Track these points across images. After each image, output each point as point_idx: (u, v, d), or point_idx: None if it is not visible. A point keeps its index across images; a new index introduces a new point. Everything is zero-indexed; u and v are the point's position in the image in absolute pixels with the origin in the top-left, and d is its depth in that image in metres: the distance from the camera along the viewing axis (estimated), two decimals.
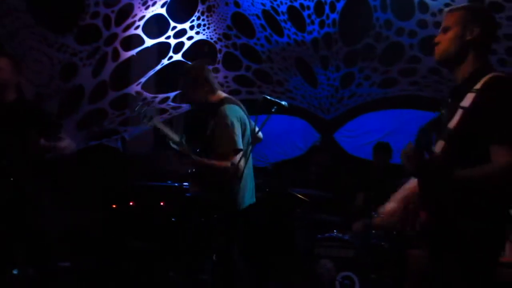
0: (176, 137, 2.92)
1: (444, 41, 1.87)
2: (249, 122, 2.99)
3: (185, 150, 2.89)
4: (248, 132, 2.96)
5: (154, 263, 4.39)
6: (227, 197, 2.86)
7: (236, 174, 2.72)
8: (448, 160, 1.72)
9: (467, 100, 1.71)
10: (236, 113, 2.90)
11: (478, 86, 1.72)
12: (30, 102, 3.25)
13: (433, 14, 4.15)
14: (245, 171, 2.81)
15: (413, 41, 4.47)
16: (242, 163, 2.73)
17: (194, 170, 3.19)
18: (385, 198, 2.22)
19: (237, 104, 2.99)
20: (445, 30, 1.88)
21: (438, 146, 1.77)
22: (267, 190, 5.17)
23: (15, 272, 3.02)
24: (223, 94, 3.04)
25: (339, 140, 6.30)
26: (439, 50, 1.89)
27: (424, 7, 4.19)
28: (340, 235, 4.19)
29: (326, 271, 4.09)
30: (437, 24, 1.91)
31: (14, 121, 2.81)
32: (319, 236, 4.23)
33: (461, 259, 1.70)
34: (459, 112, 1.72)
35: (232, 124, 2.82)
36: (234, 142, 2.80)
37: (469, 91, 1.73)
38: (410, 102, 5.40)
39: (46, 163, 2.88)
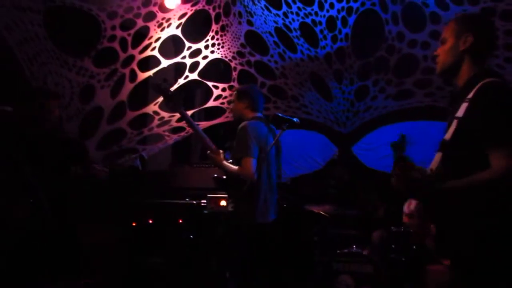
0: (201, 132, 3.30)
1: (442, 53, 1.88)
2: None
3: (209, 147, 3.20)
4: (268, 148, 3.09)
5: (172, 280, 4.42)
6: (246, 210, 2.92)
7: (249, 180, 2.92)
8: (446, 170, 1.71)
9: (461, 110, 1.71)
10: (254, 126, 3.10)
11: (470, 95, 1.71)
12: (68, 133, 3.47)
13: (446, 24, 4.12)
14: (265, 186, 2.99)
15: (427, 52, 4.45)
16: (253, 171, 2.93)
17: (222, 178, 3.25)
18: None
19: (263, 121, 3.21)
20: (443, 42, 1.89)
21: (437, 158, 1.76)
22: (285, 205, 5.16)
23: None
24: (258, 115, 3.25)
25: (357, 154, 6.27)
26: (438, 62, 1.90)
27: (436, 18, 4.18)
28: (359, 250, 4.15)
29: (346, 286, 4.04)
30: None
31: (60, 152, 3.06)
32: (338, 251, 4.19)
33: (474, 270, 1.67)
34: (454, 123, 1.72)
35: (247, 134, 3.03)
36: (246, 149, 2.99)
37: (463, 101, 1.72)
38: (427, 113, 5.34)
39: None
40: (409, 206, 3.80)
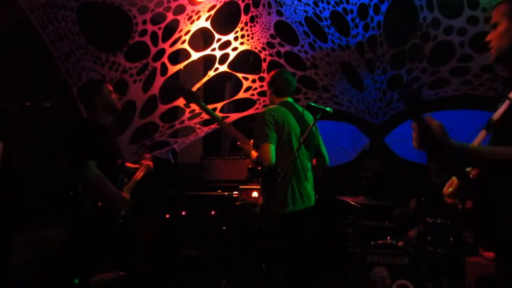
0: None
1: (495, 38, 1.76)
2: (302, 125, 3.06)
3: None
4: (292, 133, 3.07)
5: (206, 271, 4.47)
6: (273, 199, 2.90)
7: (265, 166, 2.95)
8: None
9: None
10: (271, 112, 3.08)
11: None
12: None
13: (484, 10, 3.97)
14: (291, 173, 2.91)
15: (464, 39, 4.28)
16: (269, 156, 2.93)
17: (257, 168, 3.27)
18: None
19: (287, 106, 3.17)
20: (494, 26, 1.78)
21: (479, 136, 1.67)
22: (317, 196, 5.12)
23: (76, 281, 3.18)
24: (285, 100, 3.23)
25: (390, 145, 6.14)
26: (492, 48, 1.78)
27: (473, 3, 4.02)
28: (394, 242, 4.08)
29: (381, 279, 3.99)
30: (489, 20, 1.81)
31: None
32: (372, 243, 4.14)
33: None
34: (506, 104, 1.62)
35: (263, 120, 3.03)
36: (262, 135, 3.00)
37: None
38: (464, 102, 5.17)
39: None
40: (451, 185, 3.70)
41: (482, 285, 3.26)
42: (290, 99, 3.27)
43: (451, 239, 3.95)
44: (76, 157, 2.90)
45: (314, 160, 3.32)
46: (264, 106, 4.93)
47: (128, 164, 3.43)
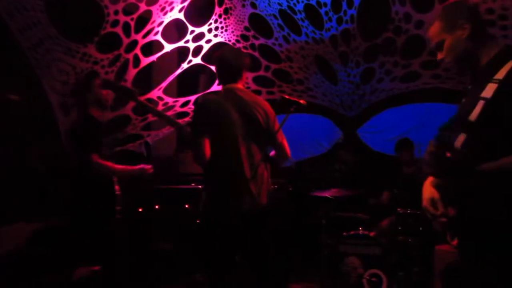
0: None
1: (448, 53, 1.84)
2: (238, 115, 2.78)
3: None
4: (223, 124, 2.76)
5: (180, 265, 4.45)
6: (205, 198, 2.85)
7: (196, 161, 2.77)
8: (471, 153, 1.68)
9: (488, 90, 1.66)
10: (202, 106, 2.82)
11: (500, 75, 1.66)
12: None
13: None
14: (224, 169, 2.70)
15: None
16: (202, 151, 2.69)
17: None
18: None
19: (214, 97, 2.87)
20: (440, 46, 1.86)
21: (459, 139, 1.73)
22: (291, 189, 5.17)
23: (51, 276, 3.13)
24: (225, 87, 2.89)
25: (362, 137, 6.25)
26: (451, 62, 1.86)
27: None
28: (366, 232, 4.16)
29: (353, 269, 4.06)
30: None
31: None
32: (344, 234, 4.20)
33: (498, 254, 1.64)
34: (480, 104, 1.67)
35: (194, 113, 2.88)
36: (193, 129, 2.80)
37: (490, 81, 1.68)
38: (433, 95, 5.30)
39: None
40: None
41: (449, 272, 3.36)
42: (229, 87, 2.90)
43: (421, 228, 4.05)
44: (82, 151, 3.09)
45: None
46: None
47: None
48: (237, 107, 2.80)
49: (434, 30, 1.88)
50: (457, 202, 1.74)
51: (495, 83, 1.66)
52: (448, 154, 1.56)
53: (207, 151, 2.74)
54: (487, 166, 1.63)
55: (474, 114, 1.68)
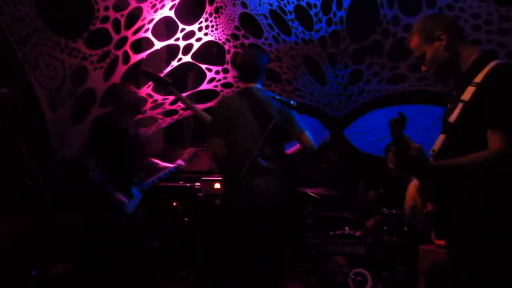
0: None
1: (431, 65, 1.90)
2: (252, 114, 2.91)
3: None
4: (237, 123, 2.89)
5: (167, 262, 4.44)
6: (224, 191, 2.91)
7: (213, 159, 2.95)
8: (448, 152, 1.73)
9: (467, 93, 1.72)
10: (219, 105, 3.07)
11: (478, 79, 1.72)
12: None
13: (441, 9, 4.14)
14: (235, 165, 2.75)
15: None
16: (217, 150, 2.88)
17: None
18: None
19: (231, 96, 3.15)
20: (422, 59, 1.91)
21: (439, 140, 1.78)
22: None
23: (34, 273, 3.10)
24: (248, 87, 3.04)
25: (349, 137, 6.30)
26: (435, 73, 1.91)
27: (431, 2, 4.18)
28: (352, 232, 4.21)
29: (339, 268, 4.11)
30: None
31: None
32: (331, 233, 4.25)
33: (475, 249, 1.69)
34: (459, 106, 1.73)
35: (212, 112, 3.05)
36: (207, 127, 2.99)
37: (469, 84, 1.74)
38: (420, 97, 5.38)
39: None
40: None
41: (434, 272, 3.44)
42: (251, 86, 3.05)
43: (406, 228, 4.12)
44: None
45: None
46: None
47: None
48: (252, 106, 2.91)
49: (413, 43, 1.94)
50: (434, 202, 1.79)
51: (474, 86, 1.72)
52: (412, 152, 1.58)
53: (223, 149, 2.86)
54: (442, 163, 1.68)
55: (453, 116, 1.75)
